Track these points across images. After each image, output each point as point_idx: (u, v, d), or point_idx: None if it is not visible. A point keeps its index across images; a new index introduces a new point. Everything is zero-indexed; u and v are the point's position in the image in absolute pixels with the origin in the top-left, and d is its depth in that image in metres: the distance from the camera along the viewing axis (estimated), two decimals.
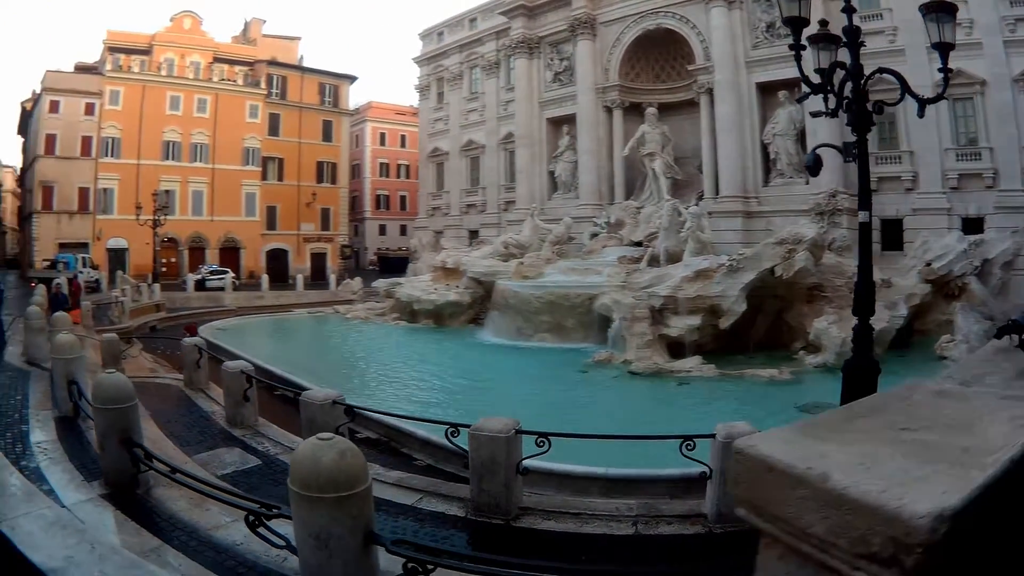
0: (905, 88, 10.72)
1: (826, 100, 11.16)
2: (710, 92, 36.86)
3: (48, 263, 54.26)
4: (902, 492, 1.49)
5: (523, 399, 19.68)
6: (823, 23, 11.54)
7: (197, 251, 64.88)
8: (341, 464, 4.93)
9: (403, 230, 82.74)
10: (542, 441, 8.33)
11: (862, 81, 10.72)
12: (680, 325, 24.17)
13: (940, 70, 10.47)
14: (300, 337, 37.11)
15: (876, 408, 2.40)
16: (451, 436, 9.01)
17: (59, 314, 17.96)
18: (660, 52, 41.49)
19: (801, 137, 33.89)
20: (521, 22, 47.15)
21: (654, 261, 30.48)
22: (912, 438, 2.01)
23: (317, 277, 64.84)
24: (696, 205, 36.06)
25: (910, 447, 1.92)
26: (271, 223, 69.90)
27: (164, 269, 59.10)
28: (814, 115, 12.16)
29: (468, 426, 9.00)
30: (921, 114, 10.61)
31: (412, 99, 65.30)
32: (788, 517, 1.67)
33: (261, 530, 5.43)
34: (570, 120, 44.67)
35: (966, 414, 2.29)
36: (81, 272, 48.62)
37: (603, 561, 7.76)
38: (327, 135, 74.06)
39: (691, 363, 22.72)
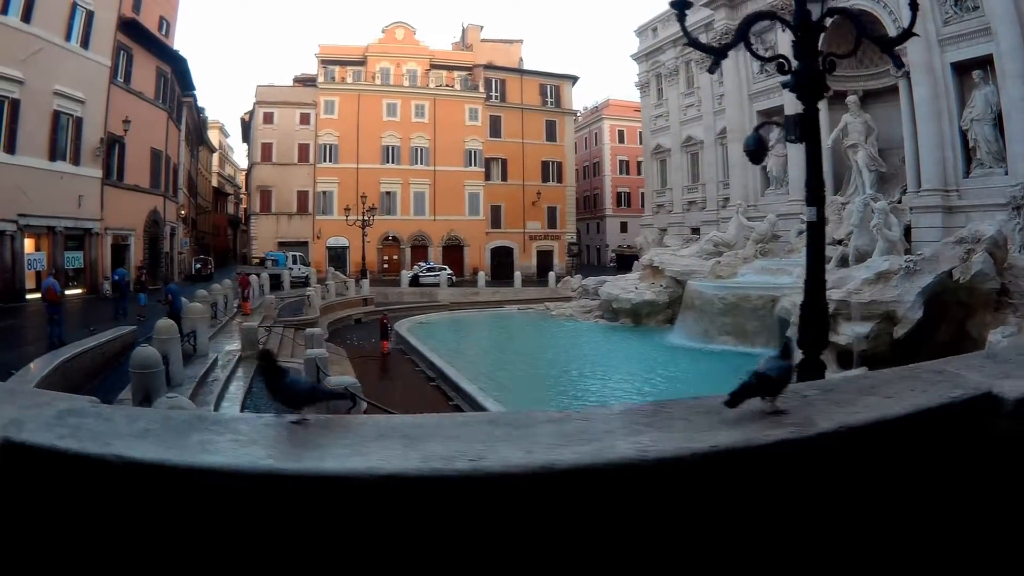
0: (861, 31, 8.80)
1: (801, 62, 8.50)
2: (908, 76, 33.84)
3: (257, 260, 59.16)
4: None
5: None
6: None
7: (420, 249, 67.65)
8: None
9: None
10: None
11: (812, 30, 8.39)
12: (849, 333, 22.46)
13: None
14: (488, 331, 38.22)
15: None
16: None
17: (193, 305, 20.36)
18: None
19: (999, 120, 30.50)
20: (724, 13, 45.90)
21: (843, 261, 28.76)
22: None
23: (543, 274, 64.57)
24: (898, 200, 34.01)
25: None
26: (495, 222, 71.47)
27: (386, 266, 63.48)
28: (784, 86, 9.34)
29: None
30: (899, 62, 9.28)
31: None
32: None
33: None
34: (779, 112, 41.60)
35: None
36: (290, 268, 52.35)
37: None
38: (551, 135, 74.72)
39: (853, 376, 21.34)
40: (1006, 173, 29.95)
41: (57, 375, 12.69)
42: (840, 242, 32.30)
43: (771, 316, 26.63)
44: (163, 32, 48.34)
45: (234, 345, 21.78)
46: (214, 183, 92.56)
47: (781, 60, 7.98)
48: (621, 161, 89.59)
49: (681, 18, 8.53)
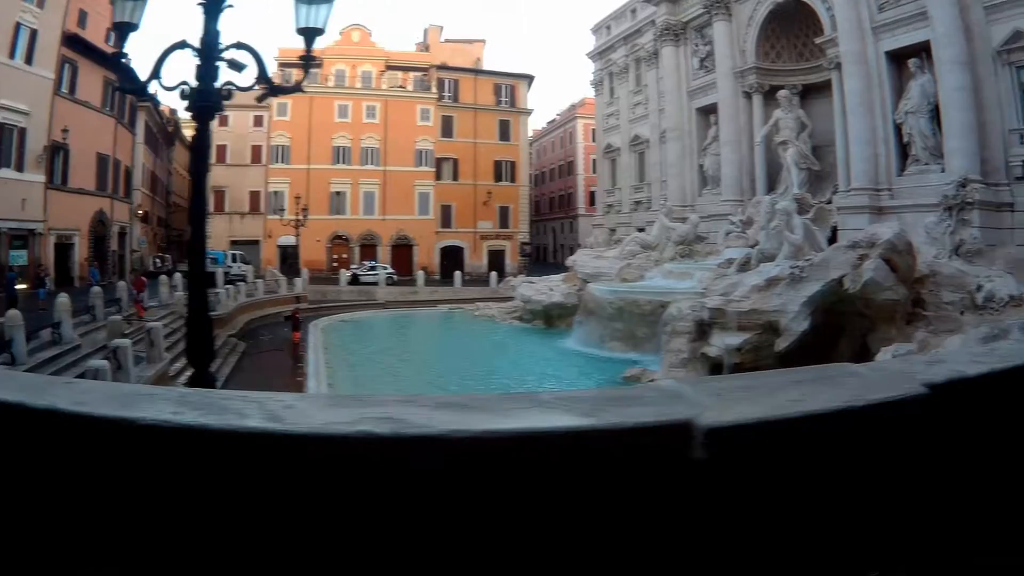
0: (261, 72, 7.98)
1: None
2: (840, 67, 30.07)
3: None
4: None
5: None
6: None
7: (369, 248, 65.27)
8: None
9: None
10: None
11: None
12: (719, 344, 18.83)
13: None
14: (400, 329, 37.11)
15: None
16: None
17: (59, 299, 20.72)
18: (799, 28, 34.73)
19: (936, 113, 26.37)
20: (665, 8, 41.77)
21: (745, 265, 24.95)
22: None
23: (496, 274, 60.55)
24: (828, 200, 30.60)
25: None
26: (446, 221, 68.54)
27: (336, 264, 61.30)
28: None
29: None
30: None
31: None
32: None
33: None
34: (716, 109, 38.78)
35: None
36: (229, 267, 51.66)
37: None
38: (504, 135, 71.55)
39: None
40: (943, 170, 25.83)
41: None
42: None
43: (661, 322, 22.79)
44: (111, 43, 47.12)
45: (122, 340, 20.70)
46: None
47: (183, 87, 7.42)
48: (595, 160, 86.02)
49: (120, 40, 7.98)
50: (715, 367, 19.14)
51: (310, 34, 7.73)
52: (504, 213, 71.34)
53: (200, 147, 7.79)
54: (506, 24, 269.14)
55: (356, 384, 21.83)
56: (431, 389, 20.04)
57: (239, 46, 7.77)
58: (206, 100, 7.47)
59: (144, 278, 33.56)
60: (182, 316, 28.92)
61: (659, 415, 1.70)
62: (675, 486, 1.63)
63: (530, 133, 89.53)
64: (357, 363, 25.90)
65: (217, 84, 7.56)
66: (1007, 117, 24.66)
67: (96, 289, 26.79)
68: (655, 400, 1.87)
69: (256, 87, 8.15)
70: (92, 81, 45.67)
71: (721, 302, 19.88)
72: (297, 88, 8.25)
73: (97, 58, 44.03)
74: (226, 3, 7.50)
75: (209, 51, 7.39)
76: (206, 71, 7.41)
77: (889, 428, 1.87)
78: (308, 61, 8.08)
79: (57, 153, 41.57)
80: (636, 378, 19.53)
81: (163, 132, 71.84)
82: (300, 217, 50.42)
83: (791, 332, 18.51)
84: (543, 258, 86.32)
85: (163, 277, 36.35)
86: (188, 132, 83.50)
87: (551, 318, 32.75)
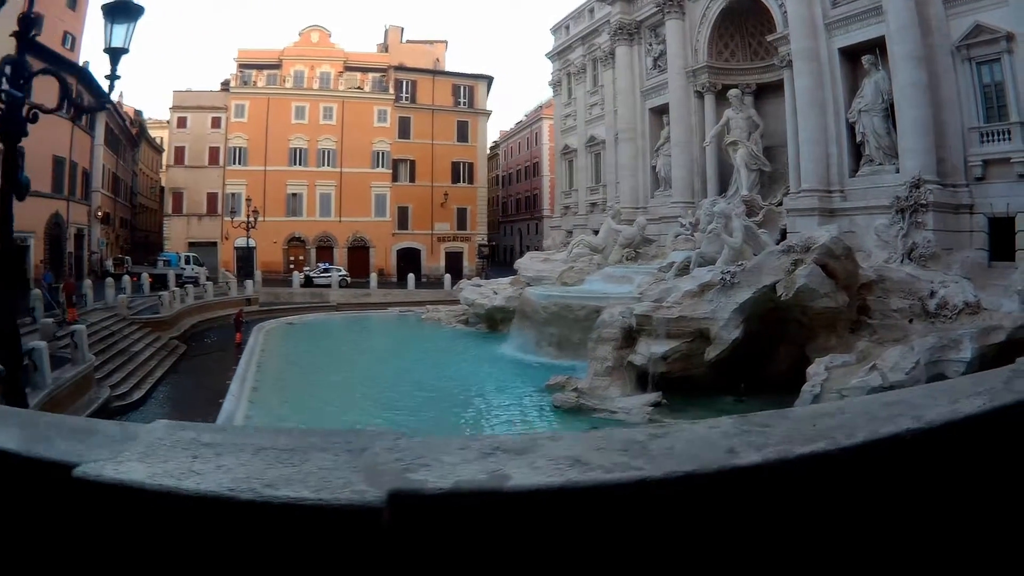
0: (65, 94, 8.77)
1: None
2: (792, 65, 28.62)
3: (151, 261, 58.45)
4: None
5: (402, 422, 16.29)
6: None
7: (325, 250, 64.20)
8: None
9: None
10: None
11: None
12: (644, 352, 17.39)
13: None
14: (342, 334, 35.87)
15: None
16: None
17: None
18: (753, 26, 33.38)
19: (891, 111, 24.92)
20: (620, 6, 40.26)
21: (684, 269, 23.40)
22: None
23: (455, 276, 59.18)
24: (778, 202, 29.32)
25: None
26: (403, 223, 67.39)
27: (292, 266, 60.07)
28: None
29: None
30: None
31: None
32: None
33: None
34: (669, 110, 37.17)
35: None
36: (183, 268, 51.28)
37: None
38: (462, 136, 70.32)
39: (635, 402, 16.25)
40: (897, 171, 24.48)
41: None
42: None
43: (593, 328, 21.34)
44: (67, 47, 46.72)
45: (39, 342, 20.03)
46: (163, 182, 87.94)
47: None
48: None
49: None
50: (642, 376, 17.84)
51: (115, 53, 8.05)
52: (462, 215, 70.02)
53: (7, 166, 7.90)
54: (472, 25, 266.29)
55: (280, 388, 21.16)
56: (342, 394, 19.77)
57: (45, 71, 8.49)
58: (11, 124, 7.81)
59: (73, 281, 32.37)
60: (124, 318, 30.67)
61: (50, 453, 1.62)
62: (54, 529, 1.53)
63: (497, 134, 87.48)
64: (289, 367, 25.32)
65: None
66: (967, 115, 23.37)
67: (35, 292, 26.65)
68: (104, 440, 1.75)
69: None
70: (47, 84, 44.15)
71: (649, 308, 18.39)
72: (101, 107, 8.86)
73: (52, 61, 43.33)
74: (33, 33, 8.05)
75: (16, 77, 7.84)
76: (13, 96, 7.82)
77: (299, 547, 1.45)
78: (112, 79, 8.31)
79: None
80: (560, 386, 18.01)
81: (126, 133, 70.22)
82: (251, 219, 49.41)
83: (722, 341, 17.12)
84: (509, 260, 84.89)
85: (109, 279, 35.92)
86: (154, 133, 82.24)
87: (495, 322, 31.50)
